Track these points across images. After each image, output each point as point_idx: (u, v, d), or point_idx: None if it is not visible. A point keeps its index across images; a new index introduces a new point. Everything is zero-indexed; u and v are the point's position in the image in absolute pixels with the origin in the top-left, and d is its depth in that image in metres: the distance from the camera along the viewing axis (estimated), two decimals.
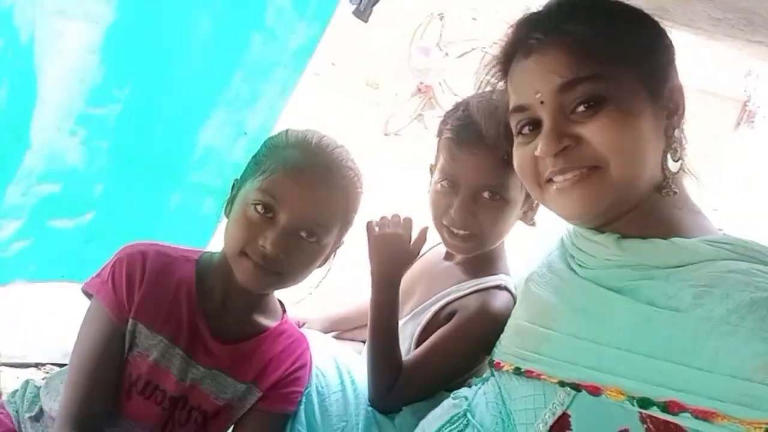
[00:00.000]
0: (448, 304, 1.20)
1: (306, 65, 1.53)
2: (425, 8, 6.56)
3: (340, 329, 1.54)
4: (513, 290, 1.19)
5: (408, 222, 1.21)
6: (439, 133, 1.20)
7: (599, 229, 0.93)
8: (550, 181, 0.89)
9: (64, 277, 1.80)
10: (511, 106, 0.94)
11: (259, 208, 0.97)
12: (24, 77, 1.38)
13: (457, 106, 1.18)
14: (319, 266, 1.07)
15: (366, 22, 1.49)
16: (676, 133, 0.87)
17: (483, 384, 1.08)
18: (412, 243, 1.21)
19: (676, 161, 0.87)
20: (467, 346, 1.14)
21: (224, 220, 1.06)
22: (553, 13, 0.88)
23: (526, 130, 0.92)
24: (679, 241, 0.84)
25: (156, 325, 1.02)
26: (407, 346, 1.23)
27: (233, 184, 1.06)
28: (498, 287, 1.18)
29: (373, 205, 1.23)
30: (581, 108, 0.84)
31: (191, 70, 1.47)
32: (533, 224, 1.20)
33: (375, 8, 1.50)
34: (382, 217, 1.23)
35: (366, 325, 1.54)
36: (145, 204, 1.68)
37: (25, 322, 1.95)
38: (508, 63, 0.95)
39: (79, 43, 1.42)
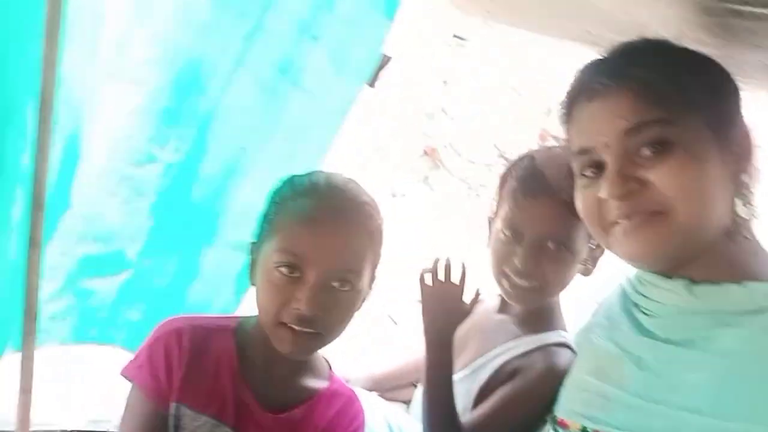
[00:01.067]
0: (508, 361, 1.17)
1: (341, 124, 1.56)
2: (430, 74, 6.80)
3: (382, 388, 1.50)
4: (574, 347, 1.17)
5: (463, 272, 1.19)
6: (502, 183, 1.21)
7: (667, 274, 0.90)
8: (614, 224, 0.88)
9: (95, 340, 1.77)
10: (574, 148, 0.94)
11: (283, 270, 0.92)
12: (70, 138, 1.40)
13: (522, 157, 1.20)
14: (358, 309, 1.03)
15: (372, 86, 1.52)
16: (745, 178, 0.86)
17: None
18: (468, 302, 1.19)
19: (746, 207, 0.86)
20: (533, 406, 1.10)
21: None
22: (618, 58, 0.90)
23: (589, 172, 0.91)
24: (754, 284, 0.81)
25: (200, 406, 0.97)
26: (464, 404, 1.19)
27: (251, 249, 1.02)
28: (560, 344, 1.16)
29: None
30: (647, 152, 0.83)
31: (231, 129, 1.50)
32: (590, 275, 1.19)
33: (381, 73, 1.53)
34: (435, 263, 1.21)
35: (409, 384, 1.51)
36: (180, 263, 1.67)
37: (51, 387, 1.90)
38: (571, 107, 0.95)
39: (125, 105, 1.45)
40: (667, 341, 0.88)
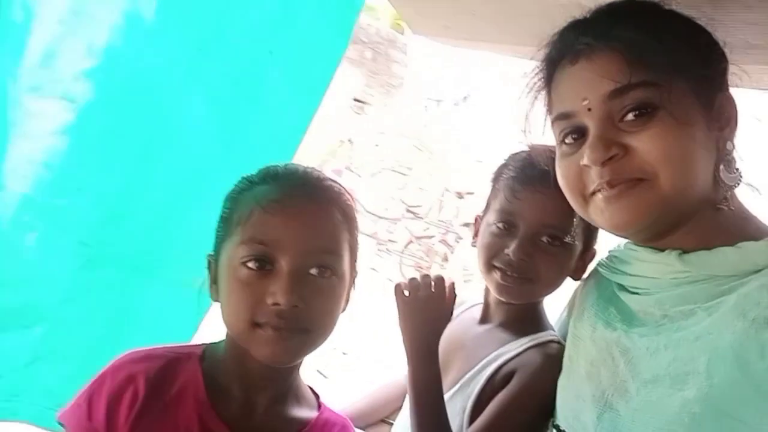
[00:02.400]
0: (502, 365, 1.10)
1: (299, 143, 1.47)
2: (335, 134, 6.88)
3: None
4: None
5: (441, 281, 1.13)
6: (497, 177, 1.19)
7: (656, 247, 0.88)
8: (595, 192, 0.86)
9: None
10: (554, 114, 0.91)
11: (251, 264, 0.82)
12: None
13: (519, 152, 1.19)
14: (343, 309, 0.92)
15: None
16: (729, 145, 0.85)
17: None
18: (447, 303, 1.13)
19: (732, 174, 0.85)
20: (537, 403, 1.05)
21: (211, 313, 0.93)
22: (604, 18, 0.88)
23: (569, 139, 0.88)
24: (748, 244, 0.80)
25: None
26: (458, 423, 1.09)
27: (208, 262, 0.91)
28: (552, 342, 1.12)
29: None
30: (630, 116, 0.81)
31: (179, 150, 1.36)
32: (579, 278, 1.16)
33: None
34: (412, 279, 1.15)
35: (379, 421, 1.39)
36: (109, 309, 1.45)
37: None
38: (552, 70, 0.92)
39: (51, 125, 1.27)
40: (665, 317, 0.85)
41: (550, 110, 0.94)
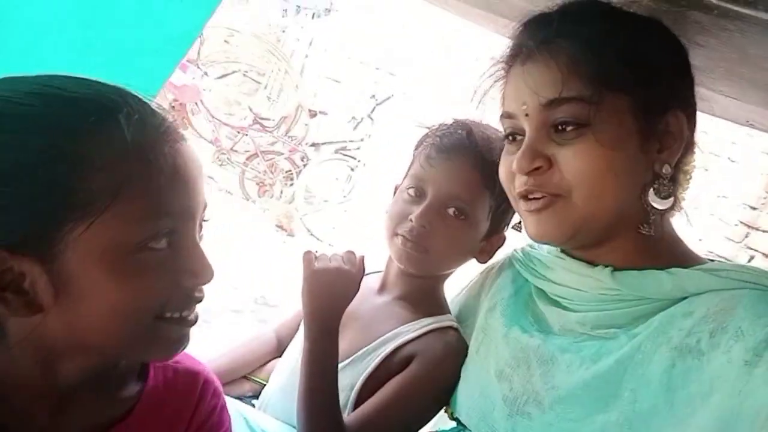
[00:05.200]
0: (400, 347, 1.05)
1: (181, 57, 1.21)
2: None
3: None
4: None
5: (352, 256, 1.05)
6: (419, 144, 1.11)
7: (586, 260, 0.88)
8: (523, 197, 0.86)
9: None
10: (501, 110, 0.90)
11: (159, 243, 0.64)
12: None
13: (444, 122, 1.12)
14: None
15: None
16: (665, 169, 0.81)
17: None
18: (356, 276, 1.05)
19: (663, 198, 0.81)
20: (434, 393, 1.03)
21: None
22: (554, 21, 0.82)
23: (511, 138, 0.88)
24: (680, 271, 0.80)
25: None
26: (344, 399, 1.04)
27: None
28: (451, 328, 1.09)
29: None
30: (567, 127, 0.79)
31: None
32: (485, 262, 1.13)
33: None
34: (323, 253, 1.05)
35: (241, 378, 1.31)
36: None
37: None
38: (509, 65, 0.89)
39: None
40: (583, 334, 0.85)
41: (501, 103, 0.91)
